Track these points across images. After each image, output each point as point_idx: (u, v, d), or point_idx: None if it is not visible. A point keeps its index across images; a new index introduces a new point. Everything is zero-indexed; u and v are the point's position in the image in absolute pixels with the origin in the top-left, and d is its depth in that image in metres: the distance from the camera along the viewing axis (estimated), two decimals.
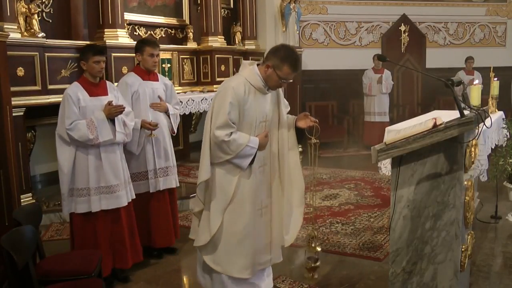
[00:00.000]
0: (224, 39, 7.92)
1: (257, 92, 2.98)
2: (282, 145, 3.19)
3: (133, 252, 3.86)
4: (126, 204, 3.74)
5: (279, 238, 3.21)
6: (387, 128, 3.65)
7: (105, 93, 3.72)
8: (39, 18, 5.58)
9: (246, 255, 3.05)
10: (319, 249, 3.81)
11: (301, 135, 3.26)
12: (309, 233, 3.79)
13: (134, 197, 3.88)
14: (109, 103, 3.59)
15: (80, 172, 3.57)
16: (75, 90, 3.60)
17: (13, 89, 4.69)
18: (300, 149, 8.27)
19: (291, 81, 3.02)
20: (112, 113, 3.57)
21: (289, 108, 3.32)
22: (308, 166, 3.51)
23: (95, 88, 3.69)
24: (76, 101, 3.54)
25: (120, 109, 3.60)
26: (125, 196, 3.72)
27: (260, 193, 3.09)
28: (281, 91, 3.23)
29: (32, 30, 5.31)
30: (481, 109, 2.90)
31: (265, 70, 2.95)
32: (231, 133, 2.90)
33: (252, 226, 3.06)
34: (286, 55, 2.93)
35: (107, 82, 3.90)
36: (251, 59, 3.17)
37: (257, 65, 3.03)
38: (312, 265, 3.75)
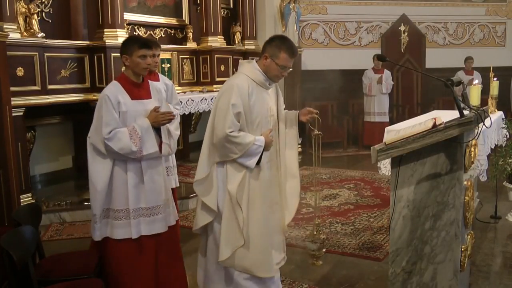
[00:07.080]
0: (224, 39, 7.92)
1: (260, 87, 2.97)
2: (280, 140, 3.15)
3: (177, 281, 3.27)
4: (167, 229, 3.15)
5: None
6: (387, 128, 3.66)
7: (148, 96, 3.10)
8: (39, 18, 5.58)
9: (265, 254, 2.98)
10: (322, 236, 3.65)
11: (302, 129, 3.23)
12: (314, 222, 3.59)
13: (178, 217, 3.33)
14: (156, 109, 3.01)
15: (118, 190, 2.96)
16: (115, 91, 2.97)
17: (12, 89, 4.69)
18: (300, 149, 8.27)
19: (291, 69, 3.00)
20: (159, 121, 2.99)
21: (284, 107, 3.30)
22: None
23: (138, 90, 3.05)
24: (116, 105, 2.93)
25: (169, 117, 3.01)
26: (167, 218, 3.14)
27: (270, 190, 3.04)
28: (279, 89, 3.22)
29: (32, 30, 5.31)
30: (481, 109, 2.90)
31: (264, 62, 2.93)
32: (236, 132, 2.85)
33: (266, 225, 3.00)
34: (281, 42, 2.92)
35: (150, 82, 3.24)
36: (251, 59, 3.15)
37: (256, 61, 3.01)
38: (316, 253, 3.46)
